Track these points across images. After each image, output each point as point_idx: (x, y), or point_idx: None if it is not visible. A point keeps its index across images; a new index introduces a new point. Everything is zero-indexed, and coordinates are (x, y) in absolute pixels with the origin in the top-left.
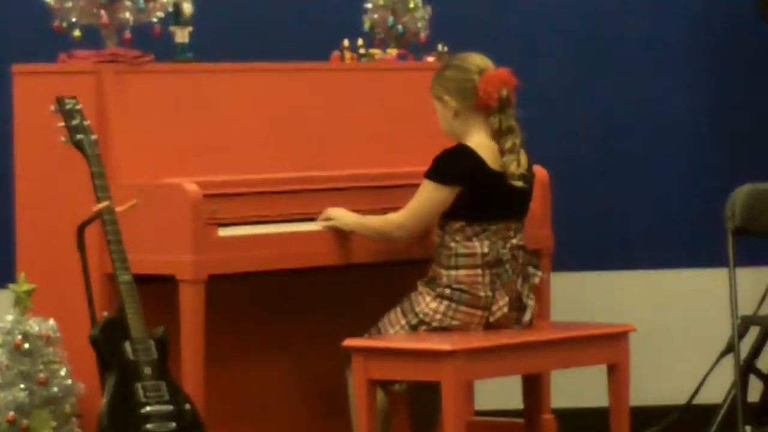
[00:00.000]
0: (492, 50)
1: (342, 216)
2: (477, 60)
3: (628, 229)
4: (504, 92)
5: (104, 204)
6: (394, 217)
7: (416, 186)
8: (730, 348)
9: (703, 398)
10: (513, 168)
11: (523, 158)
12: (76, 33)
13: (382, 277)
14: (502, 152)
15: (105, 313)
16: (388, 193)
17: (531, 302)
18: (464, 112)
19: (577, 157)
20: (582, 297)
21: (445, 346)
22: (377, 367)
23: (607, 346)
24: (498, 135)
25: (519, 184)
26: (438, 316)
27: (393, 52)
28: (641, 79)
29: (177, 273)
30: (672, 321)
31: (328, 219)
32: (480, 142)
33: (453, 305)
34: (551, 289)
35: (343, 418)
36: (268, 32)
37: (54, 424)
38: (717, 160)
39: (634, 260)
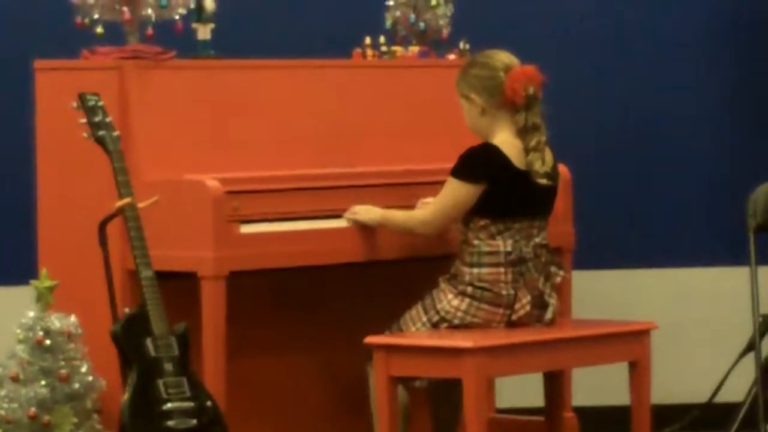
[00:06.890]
0: (513, 47)
1: (367, 211)
2: (503, 57)
3: (650, 227)
4: (530, 89)
5: (126, 200)
6: (418, 213)
7: (438, 183)
8: (752, 346)
9: (724, 396)
10: (537, 166)
11: (548, 156)
12: (99, 29)
13: (403, 274)
14: (527, 150)
15: (126, 309)
16: (408, 190)
17: (553, 300)
18: (490, 110)
19: (599, 154)
20: (603, 295)
21: (467, 343)
22: (398, 363)
23: (629, 343)
24: (523, 132)
25: (543, 182)
26: (459, 314)
27: (415, 49)
28: (663, 77)
29: (198, 269)
30: (693, 319)
31: (354, 214)
32: (505, 140)
33: (475, 303)
34: (572, 286)
35: (364, 414)
36: (290, 29)
37: (75, 420)
38: (739, 158)
39: (655, 258)
